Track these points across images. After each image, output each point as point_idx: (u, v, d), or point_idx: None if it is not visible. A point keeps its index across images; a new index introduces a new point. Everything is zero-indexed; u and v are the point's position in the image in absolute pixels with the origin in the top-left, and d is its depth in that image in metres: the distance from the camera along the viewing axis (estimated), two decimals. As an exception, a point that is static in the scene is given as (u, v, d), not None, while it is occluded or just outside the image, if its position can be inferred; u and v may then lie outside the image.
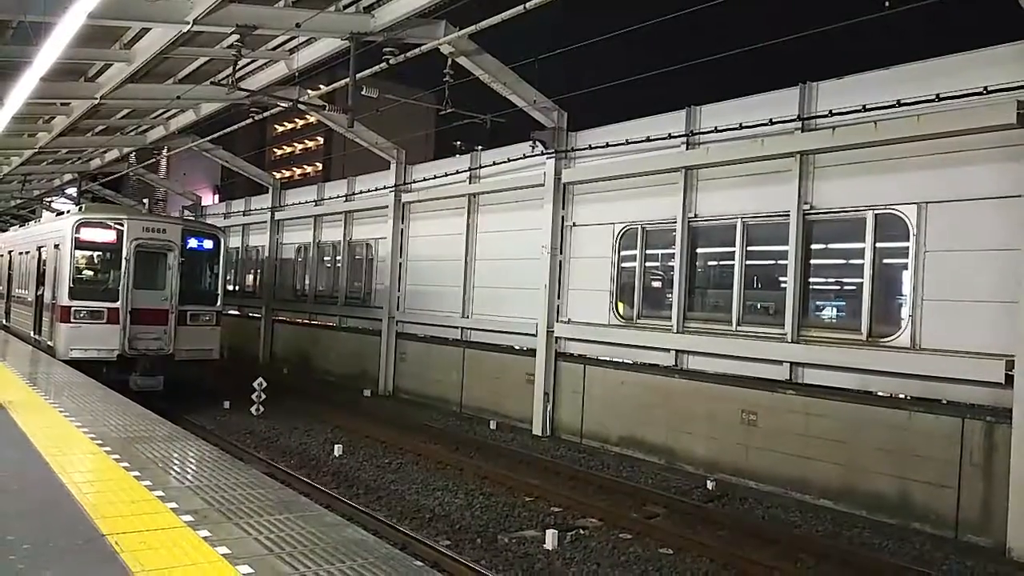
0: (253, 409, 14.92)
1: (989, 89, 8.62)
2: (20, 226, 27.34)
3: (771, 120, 10.83)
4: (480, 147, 17.40)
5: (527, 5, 9.76)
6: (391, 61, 12.52)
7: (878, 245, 9.94)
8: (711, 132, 11.77)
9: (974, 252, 8.99)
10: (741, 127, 11.23)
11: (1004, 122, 8.49)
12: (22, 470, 5.71)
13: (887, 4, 8.64)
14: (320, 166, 75.11)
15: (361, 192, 20.60)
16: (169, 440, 7.09)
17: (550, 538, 8.19)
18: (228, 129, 19.47)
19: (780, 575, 7.55)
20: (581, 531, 8.73)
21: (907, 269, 9.58)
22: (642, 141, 12.71)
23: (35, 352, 14.58)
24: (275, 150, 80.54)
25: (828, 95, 10.46)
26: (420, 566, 4.25)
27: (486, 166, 16.33)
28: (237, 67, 13.41)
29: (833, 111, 10.21)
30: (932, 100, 9.12)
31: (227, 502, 5.09)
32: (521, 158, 15.02)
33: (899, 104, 9.43)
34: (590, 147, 13.76)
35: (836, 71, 10.49)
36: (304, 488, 9.61)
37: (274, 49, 14.15)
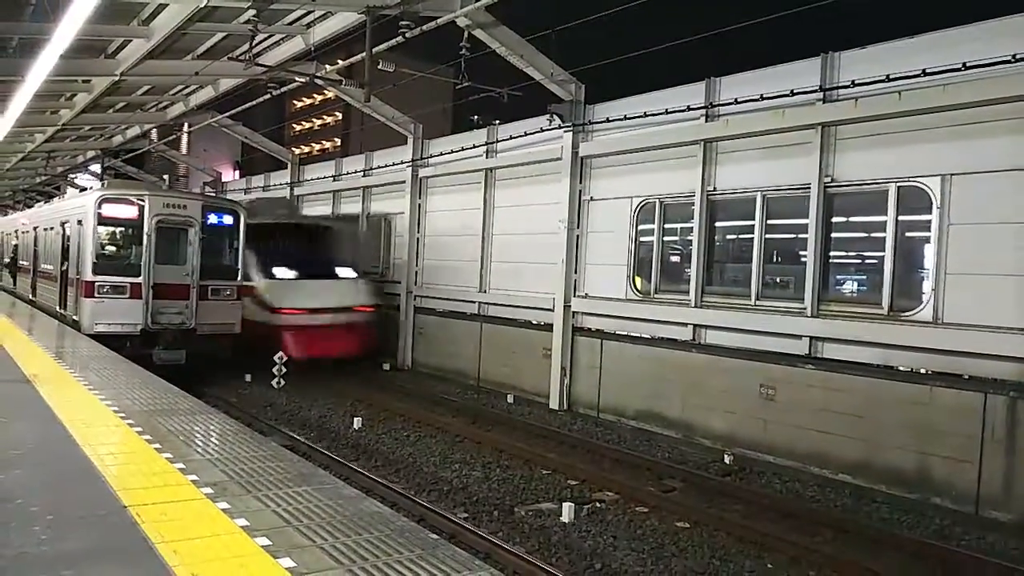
0: (274, 383, 15.13)
1: (1018, 57, 8.38)
2: (44, 202, 27.69)
3: (792, 91, 10.63)
4: (497, 121, 17.29)
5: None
6: (407, 35, 12.43)
7: (900, 218, 9.78)
8: (731, 104, 11.58)
9: (999, 225, 8.80)
10: (762, 98, 11.03)
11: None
12: (46, 442, 5.83)
13: None
14: (339, 141, 75.12)
15: (379, 167, 20.60)
16: (191, 413, 7.20)
17: (567, 511, 8.26)
18: (247, 105, 19.50)
19: (797, 549, 7.56)
20: (598, 504, 8.79)
21: (930, 242, 9.42)
22: (660, 113, 12.54)
23: (60, 326, 14.82)
24: (294, 126, 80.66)
25: (850, 65, 10.23)
26: (436, 539, 4.28)
27: (503, 140, 16.23)
28: (254, 42, 13.38)
29: (856, 81, 9.98)
30: (958, 69, 8.89)
31: (246, 474, 5.16)
32: (538, 132, 14.91)
33: (924, 74, 9.21)
34: (608, 120, 13.61)
35: (859, 40, 10.26)
36: (323, 460, 9.76)
37: (291, 24, 14.12)
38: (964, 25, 9.14)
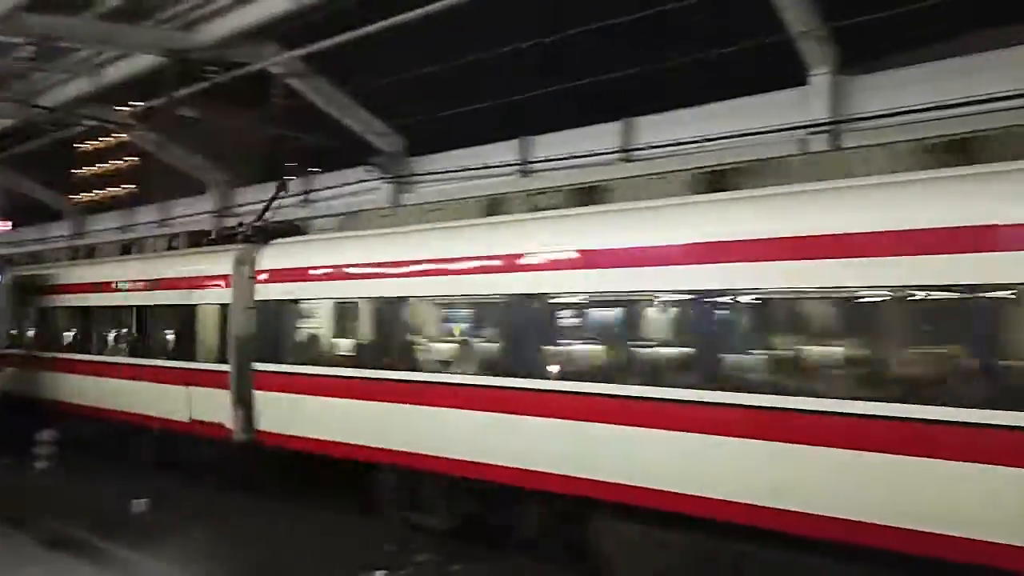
0: (38, 464, 12.15)
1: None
2: None
3: (592, 152, 11.27)
4: (315, 170, 16.80)
5: (360, 31, 9.64)
6: (215, 80, 11.87)
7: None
8: (542, 161, 12.15)
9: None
10: (571, 157, 11.56)
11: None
12: None
13: None
14: (134, 186, 69.75)
15: (178, 217, 19.26)
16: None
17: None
18: (21, 148, 17.51)
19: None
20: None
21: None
22: (480, 168, 12.81)
23: None
24: (79, 170, 73.89)
25: (646, 128, 11.14)
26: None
27: (320, 190, 15.79)
28: (34, 80, 12.18)
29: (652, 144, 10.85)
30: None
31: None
32: (357, 183, 14.70)
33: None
34: (429, 173, 13.72)
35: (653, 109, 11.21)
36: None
37: (77, 63, 12.99)
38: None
